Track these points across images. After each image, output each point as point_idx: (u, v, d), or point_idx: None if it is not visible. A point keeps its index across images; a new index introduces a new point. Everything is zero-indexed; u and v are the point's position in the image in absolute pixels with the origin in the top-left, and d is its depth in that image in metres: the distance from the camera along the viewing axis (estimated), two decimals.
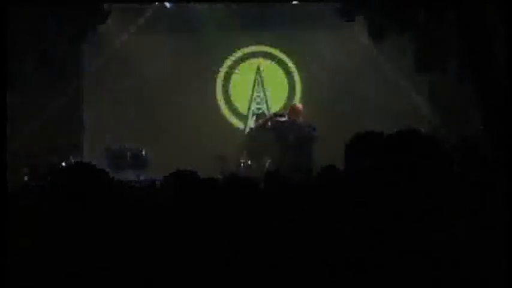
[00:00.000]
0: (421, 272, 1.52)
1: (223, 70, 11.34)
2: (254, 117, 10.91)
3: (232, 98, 11.35)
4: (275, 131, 8.68)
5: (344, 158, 2.23)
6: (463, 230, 1.63)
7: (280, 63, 11.36)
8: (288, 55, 11.30)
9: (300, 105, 9.06)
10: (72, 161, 8.96)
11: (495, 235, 1.80)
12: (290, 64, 11.35)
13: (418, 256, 1.53)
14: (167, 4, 10.47)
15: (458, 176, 1.65)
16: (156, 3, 10.58)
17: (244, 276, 2.29)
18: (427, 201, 1.58)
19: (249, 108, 11.30)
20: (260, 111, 11.16)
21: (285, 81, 11.38)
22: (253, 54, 11.38)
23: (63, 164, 8.88)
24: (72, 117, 10.66)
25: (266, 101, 11.32)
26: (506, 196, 2.57)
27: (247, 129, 11.04)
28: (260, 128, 9.08)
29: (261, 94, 11.37)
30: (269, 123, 8.85)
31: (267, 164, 9.05)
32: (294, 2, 10.44)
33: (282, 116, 8.83)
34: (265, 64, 11.37)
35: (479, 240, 1.64)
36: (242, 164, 9.40)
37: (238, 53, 11.33)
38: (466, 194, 2.39)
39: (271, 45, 11.27)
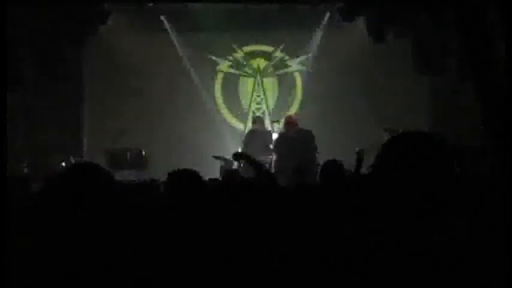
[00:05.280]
0: (421, 273, 1.52)
1: (223, 70, 11.35)
2: (253, 117, 10.92)
3: (231, 98, 11.35)
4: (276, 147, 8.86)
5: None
6: (463, 230, 1.63)
7: (280, 63, 11.36)
8: (288, 55, 11.30)
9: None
10: (72, 161, 8.97)
11: (495, 235, 1.80)
12: (290, 64, 11.35)
13: (419, 256, 1.53)
14: None
15: (458, 176, 1.65)
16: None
17: (244, 276, 2.29)
18: (427, 201, 1.58)
19: (249, 108, 11.31)
20: (260, 111, 11.17)
21: (285, 81, 11.38)
22: (253, 54, 11.38)
23: (63, 164, 8.88)
24: (72, 117, 10.66)
25: (266, 101, 11.32)
26: (506, 196, 2.57)
27: (247, 130, 11.05)
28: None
29: (261, 94, 11.37)
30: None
31: (267, 165, 9.05)
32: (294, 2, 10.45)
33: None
34: (265, 64, 11.37)
35: (480, 240, 1.64)
36: (242, 164, 9.39)
37: (239, 53, 11.33)
38: (466, 194, 2.39)
39: (271, 45, 11.27)
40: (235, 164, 9.23)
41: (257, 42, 11.28)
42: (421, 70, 9.87)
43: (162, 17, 10.75)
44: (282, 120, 9.83)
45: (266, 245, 2.42)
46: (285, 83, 11.36)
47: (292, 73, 11.39)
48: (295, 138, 8.61)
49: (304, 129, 8.76)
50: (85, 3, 9.38)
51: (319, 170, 4.76)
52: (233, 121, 11.32)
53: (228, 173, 6.56)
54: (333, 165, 4.22)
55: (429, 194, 1.57)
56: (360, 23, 10.08)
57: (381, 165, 1.62)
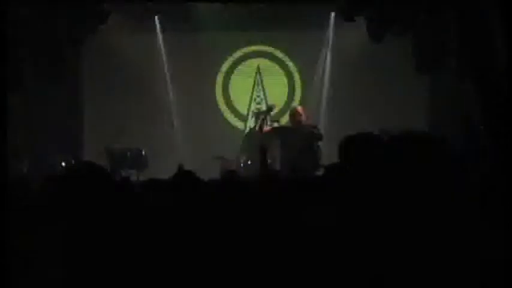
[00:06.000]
0: (421, 273, 1.52)
1: (223, 70, 11.37)
2: (254, 117, 10.92)
3: (232, 98, 11.36)
4: (280, 138, 8.65)
5: (345, 158, 2.22)
6: (463, 230, 1.63)
7: (280, 63, 11.37)
8: (288, 55, 11.31)
9: (300, 108, 9.01)
10: (72, 161, 8.96)
11: (495, 235, 1.79)
12: (290, 64, 11.35)
13: (417, 257, 1.53)
14: None
15: (458, 176, 1.65)
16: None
17: (245, 275, 2.29)
18: (427, 201, 1.58)
19: (248, 108, 11.32)
20: (260, 111, 11.17)
21: (285, 81, 11.39)
22: (253, 54, 11.38)
23: (63, 164, 8.88)
24: (72, 117, 10.67)
25: (266, 101, 11.33)
26: (506, 196, 2.56)
27: (247, 129, 11.05)
28: (260, 132, 9.05)
29: (261, 94, 11.38)
30: (269, 128, 8.88)
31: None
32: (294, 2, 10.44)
33: (280, 125, 8.93)
34: (265, 64, 11.38)
35: (480, 240, 1.65)
36: (242, 164, 9.39)
37: (238, 53, 11.33)
38: (466, 194, 2.39)
39: (271, 45, 11.28)
40: (236, 164, 9.24)
41: (257, 43, 11.28)
42: (421, 70, 9.86)
43: (161, 17, 10.74)
44: (282, 119, 9.83)
45: (266, 244, 2.42)
46: (285, 83, 11.36)
47: (292, 73, 11.39)
48: (296, 133, 8.51)
49: (309, 124, 8.58)
50: (85, 3, 9.38)
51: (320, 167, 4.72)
52: (233, 121, 11.33)
53: (227, 173, 6.55)
54: (330, 166, 4.19)
55: (429, 194, 1.57)
56: (360, 22, 10.08)
57: (381, 165, 1.62)
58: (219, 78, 11.35)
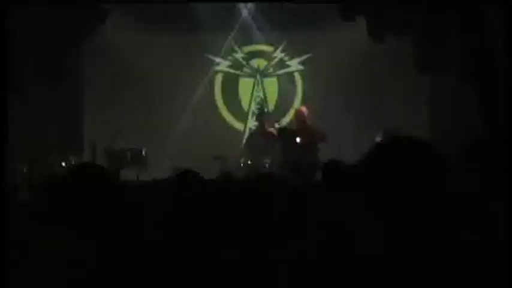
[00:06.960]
0: (421, 275, 1.52)
1: (223, 70, 11.36)
2: (254, 117, 10.91)
3: (232, 98, 11.35)
4: (283, 139, 8.65)
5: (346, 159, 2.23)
6: (463, 231, 1.63)
7: (280, 63, 11.36)
8: (288, 55, 11.30)
9: (303, 109, 9.03)
10: (72, 161, 8.95)
11: (494, 236, 1.80)
12: (290, 64, 11.34)
13: (418, 258, 1.53)
14: None
15: (459, 176, 1.65)
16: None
17: (245, 275, 2.29)
18: (427, 203, 1.58)
19: (248, 108, 11.31)
20: (260, 111, 11.16)
21: (285, 81, 11.38)
22: (253, 54, 11.38)
23: (63, 164, 8.87)
24: (72, 117, 10.66)
25: (266, 101, 11.32)
26: (506, 197, 2.56)
27: (247, 130, 11.05)
28: (265, 135, 9.06)
29: (261, 94, 11.37)
30: (274, 131, 8.91)
31: (266, 165, 9.04)
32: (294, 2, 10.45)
33: (290, 130, 8.92)
34: (265, 64, 11.37)
35: (478, 242, 1.65)
36: (242, 164, 9.39)
37: (238, 53, 11.33)
38: (466, 195, 2.39)
39: (271, 45, 11.27)
40: (236, 164, 9.24)
41: (257, 42, 11.28)
42: (421, 70, 9.86)
43: (161, 17, 10.73)
44: (283, 120, 9.83)
45: (266, 245, 2.42)
46: (285, 83, 11.36)
47: (292, 73, 11.39)
48: (299, 134, 8.49)
49: (313, 125, 8.59)
50: (85, 3, 9.38)
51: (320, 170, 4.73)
52: (233, 121, 11.32)
53: (227, 174, 6.56)
54: (330, 166, 4.20)
55: (429, 195, 1.57)
56: (360, 22, 10.08)
57: (380, 167, 1.62)
58: (219, 78, 11.35)
